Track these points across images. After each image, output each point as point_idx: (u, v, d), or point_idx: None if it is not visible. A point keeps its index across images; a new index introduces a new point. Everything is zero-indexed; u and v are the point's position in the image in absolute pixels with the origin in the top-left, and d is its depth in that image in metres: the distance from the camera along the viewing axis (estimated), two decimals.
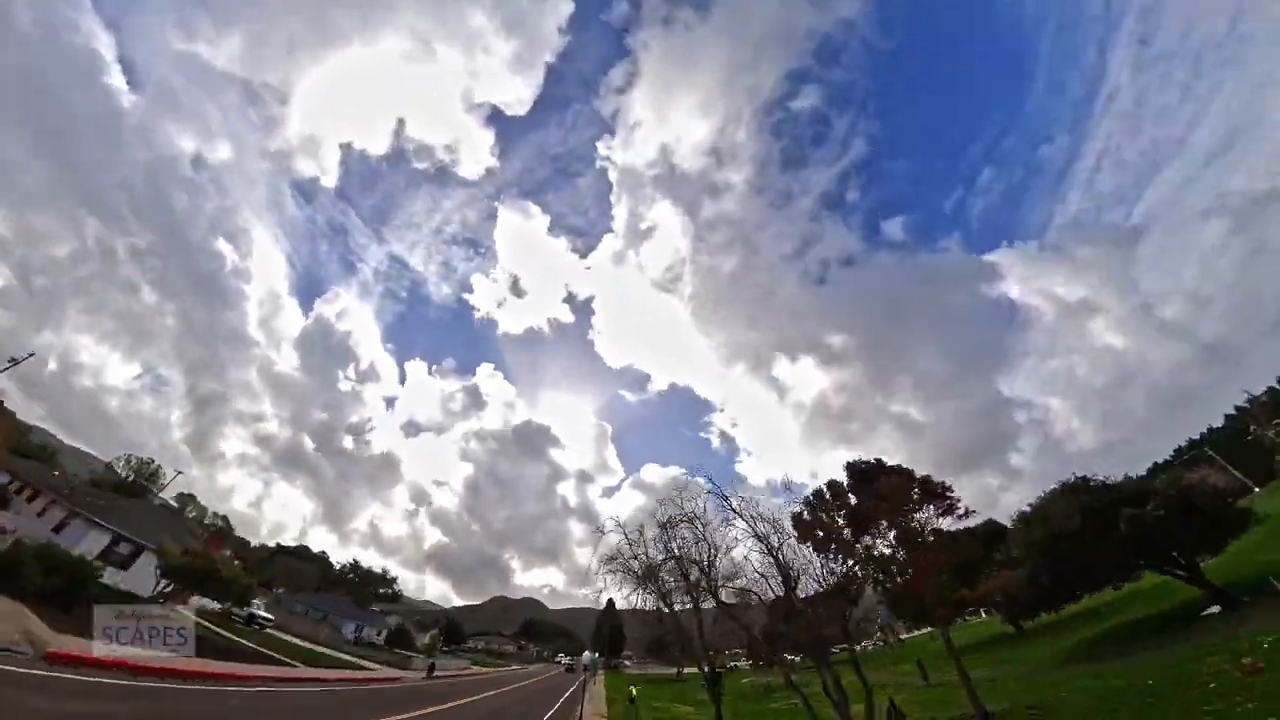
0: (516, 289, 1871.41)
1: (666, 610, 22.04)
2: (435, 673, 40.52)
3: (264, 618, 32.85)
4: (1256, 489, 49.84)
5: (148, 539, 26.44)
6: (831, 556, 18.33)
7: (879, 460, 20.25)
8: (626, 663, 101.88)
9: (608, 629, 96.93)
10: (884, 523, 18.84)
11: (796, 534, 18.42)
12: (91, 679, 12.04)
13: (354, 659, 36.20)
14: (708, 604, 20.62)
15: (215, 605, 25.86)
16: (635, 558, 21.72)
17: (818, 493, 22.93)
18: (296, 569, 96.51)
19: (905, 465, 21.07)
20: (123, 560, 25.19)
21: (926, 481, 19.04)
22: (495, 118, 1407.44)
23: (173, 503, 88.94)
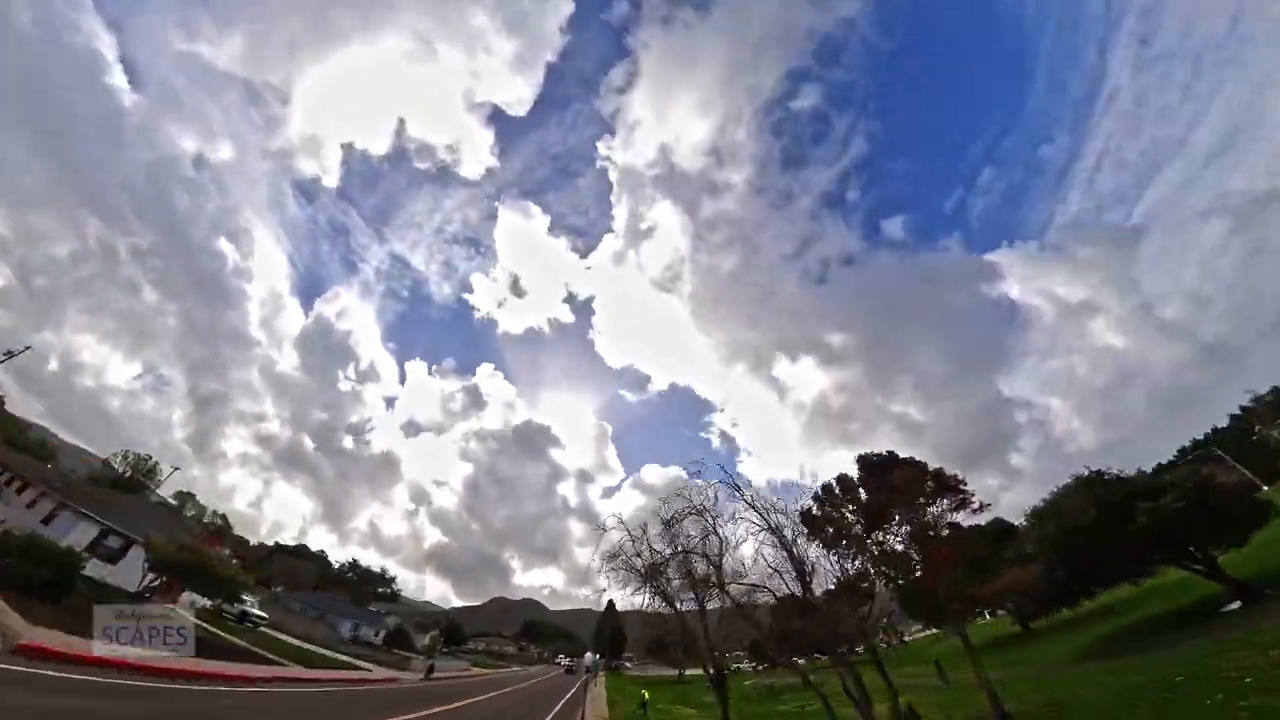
0: (517, 289, 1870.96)
1: (670, 609, 21.48)
2: (434, 674, 39.92)
3: (257, 615, 32.28)
4: (1265, 487, 49.50)
5: (140, 534, 25.91)
6: (843, 553, 17.79)
7: (891, 452, 19.67)
8: (627, 664, 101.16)
9: (608, 630, 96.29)
10: (897, 517, 18.30)
11: (806, 530, 17.89)
12: (60, 674, 11.42)
13: (350, 659, 35.56)
14: (712, 604, 20.10)
15: (206, 602, 25.31)
16: (638, 554, 21.20)
17: (826, 487, 22.39)
18: (294, 568, 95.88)
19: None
20: (112, 554, 24.69)
21: (940, 474, 18.51)
22: (496, 117, 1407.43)
23: (172, 501, 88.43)
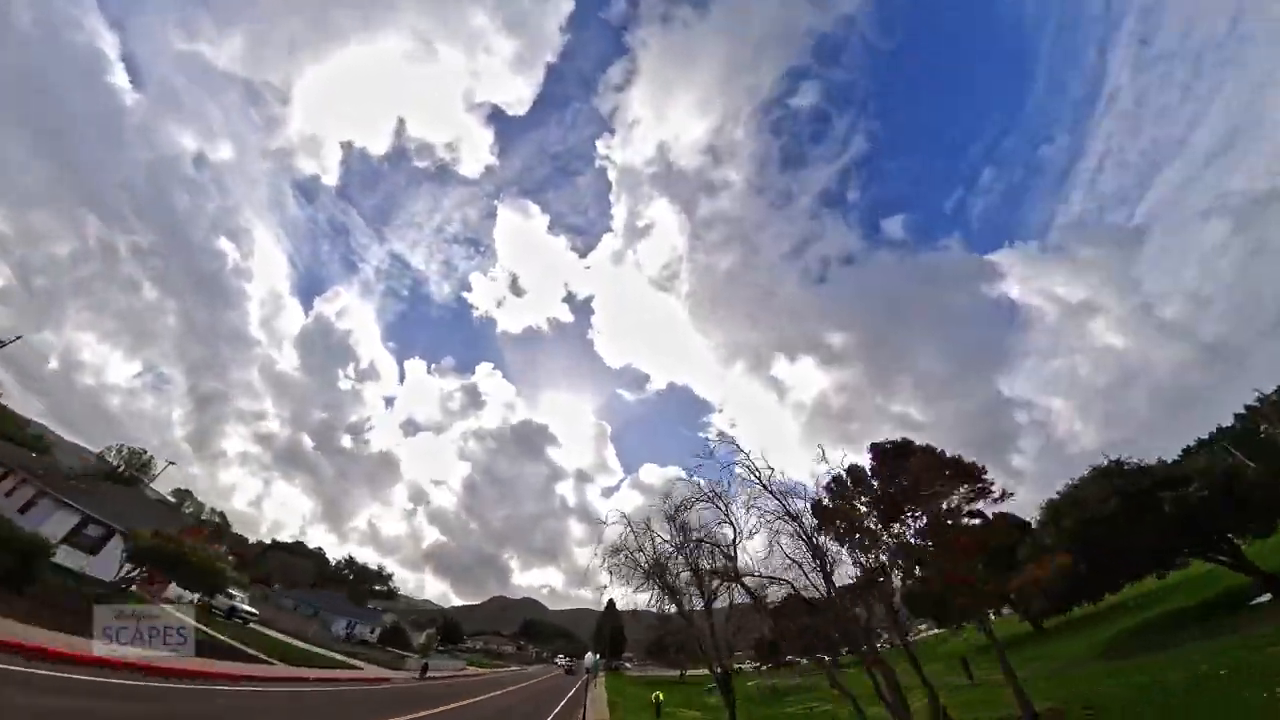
0: (516, 288, 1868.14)
1: (674, 607, 20.61)
2: (428, 673, 39.01)
3: (247, 611, 31.36)
4: None
5: (127, 526, 25.00)
6: (856, 546, 16.92)
7: (906, 439, 18.76)
8: (627, 665, 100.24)
9: (608, 630, 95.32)
10: (911, 507, 17.42)
11: (818, 522, 17.03)
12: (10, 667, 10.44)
13: (341, 657, 34.63)
14: (718, 603, 19.21)
15: (193, 596, 24.37)
16: (641, 549, 20.32)
17: (838, 478, 21.52)
18: (291, 565, 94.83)
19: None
20: (92, 544, 23.79)
21: (958, 462, 17.65)
22: (495, 117, 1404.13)
23: (170, 498, 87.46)
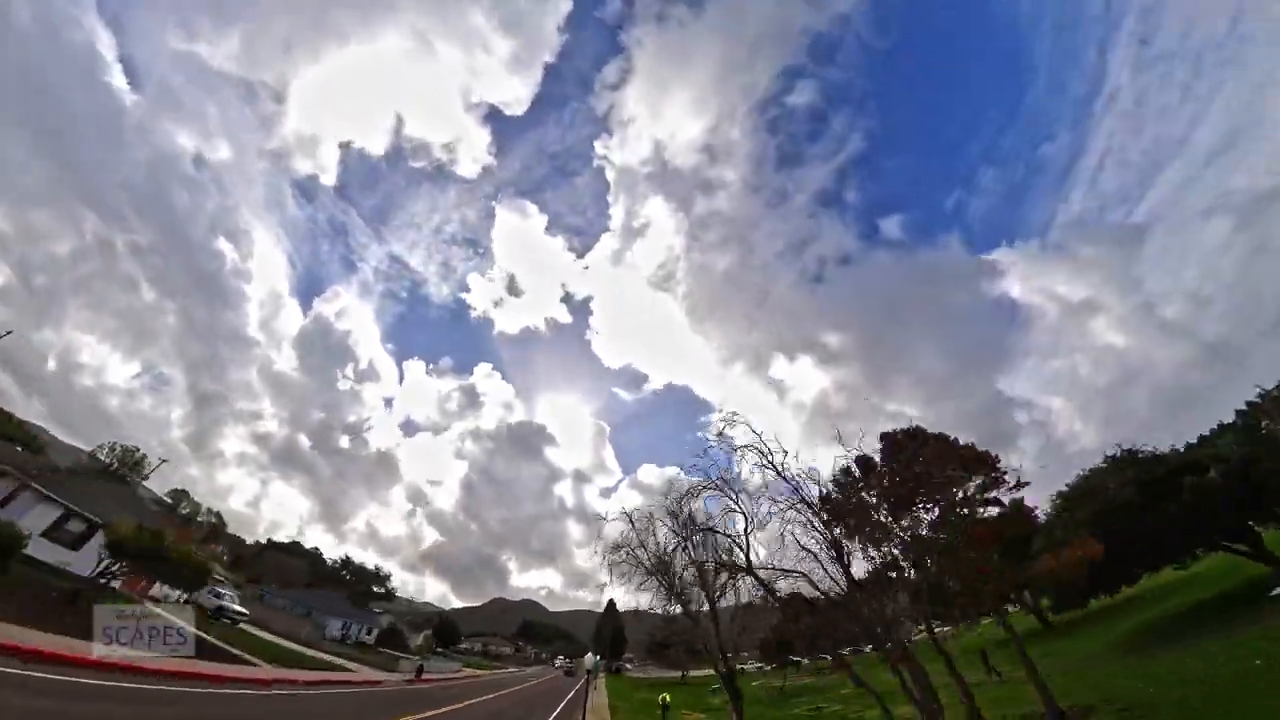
0: (514, 288, 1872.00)
1: (677, 606, 19.95)
2: (424, 675, 38.21)
3: (236, 611, 30.47)
4: None
5: (110, 521, 24.16)
6: (867, 540, 16.28)
7: (918, 426, 18.12)
8: (628, 666, 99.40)
9: (609, 631, 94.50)
10: (924, 498, 16.76)
11: (826, 516, 16.39)
12: None
13: (332, 659, 33.79)
14: (724, 602, 18.58)
15: (179, 594, 23.57)
16: (643, 545, 19.65)
17: (846, 470, 20.89)
18: (286, 565, 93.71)
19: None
20: (73, 539, 22.96)
21: (972, 449, 17.01)
22: (493, 116, 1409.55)
23: (166, 498, 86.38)
